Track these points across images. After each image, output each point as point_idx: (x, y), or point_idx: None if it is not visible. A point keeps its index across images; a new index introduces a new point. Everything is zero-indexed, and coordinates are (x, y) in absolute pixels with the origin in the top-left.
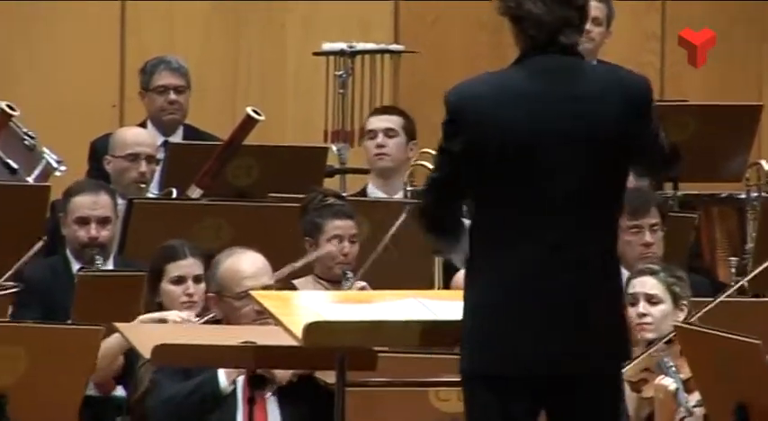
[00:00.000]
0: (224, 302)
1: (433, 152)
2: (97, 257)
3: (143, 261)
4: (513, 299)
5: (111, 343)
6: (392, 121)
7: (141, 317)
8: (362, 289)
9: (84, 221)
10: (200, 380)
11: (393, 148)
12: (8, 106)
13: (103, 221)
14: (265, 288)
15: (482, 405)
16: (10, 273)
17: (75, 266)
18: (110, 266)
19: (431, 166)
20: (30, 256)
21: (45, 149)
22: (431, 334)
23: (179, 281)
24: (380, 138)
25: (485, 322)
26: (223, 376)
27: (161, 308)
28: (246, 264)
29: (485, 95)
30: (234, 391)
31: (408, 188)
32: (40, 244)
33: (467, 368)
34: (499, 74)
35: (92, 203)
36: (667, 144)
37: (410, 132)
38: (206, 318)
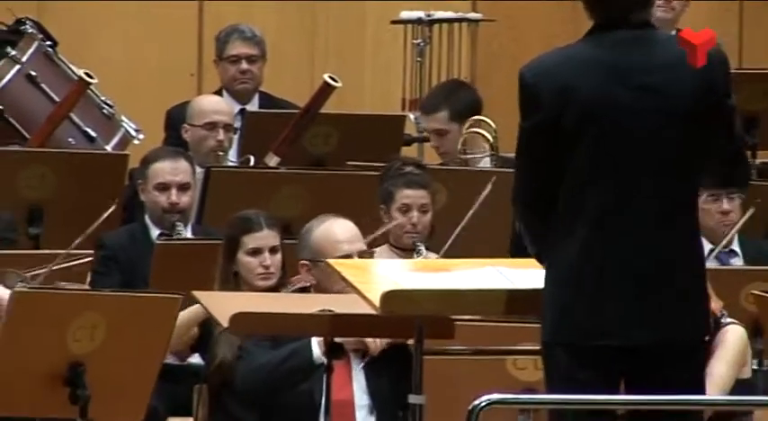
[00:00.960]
0: (317, 269)
1: (487, 120)
2: (178, 223)
3: (221, 229)
4: (596, 268)
5: (187, 313)
6: (438, 120)
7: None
8: None
9: (164, 187)
10: (293, 349)
11: (448, 145)
12: (86, 74)
13: (183, 187)
14: (360, 253)
15: (562, 373)
16: (82, 237)
17: (155, 233)
18: (188, 234)
19: (484, 133)
20: (102, 221)
21: (123, 118)
22: (508, 302)
23: (255, 252)
24: (435, 140)
25: (567, 291)
26: (316, 345)
27: (237, 278)
28: (341, 229)
29: (560, 69)
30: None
31: (462, 156)
32: (112, 208)
33: (549, 336)
34: (572, 47)
35: (172, 169)
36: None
37: (458, 115)
38: (295, 288)
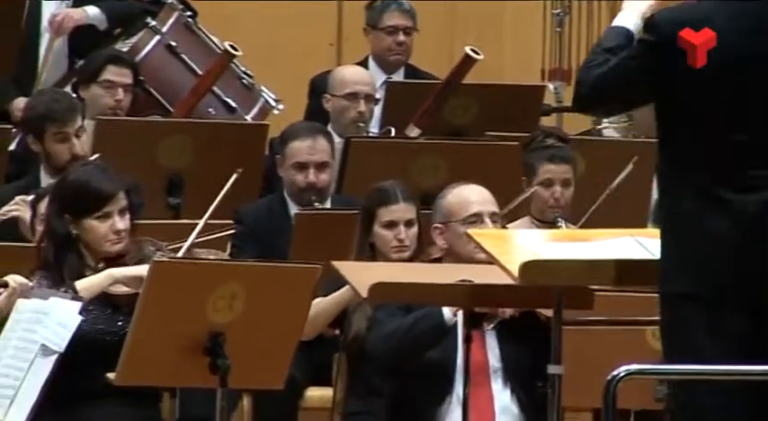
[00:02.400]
0: (450, 231)
1: None
2: (315, 201)
3: (361, 199)
4: (714, 219)
5: (332, 299)
6: None
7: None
8: None
9: (302, 166)
10: (423, 313)
11: None
12: (231, 46)
13: (321, 166)
14: (492, 214)
15: (681, 324)
16: (213, 206)
17: (293, 209)
18: (327, 206)
19: None
20: (228, 188)
21: (263, 88)
22: (647, 272)
23: (390, 225)
24: None
25: (685, 244)
26: (446, 308)
27: (373, 249)
28: (472, 190)
29: (691, 19)
30: (455, 324)
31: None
32: (234, 176)
33: (667, 287)
34: (703, 2)
35: (309, 149)
36: None
37: None
38: (431, 258)
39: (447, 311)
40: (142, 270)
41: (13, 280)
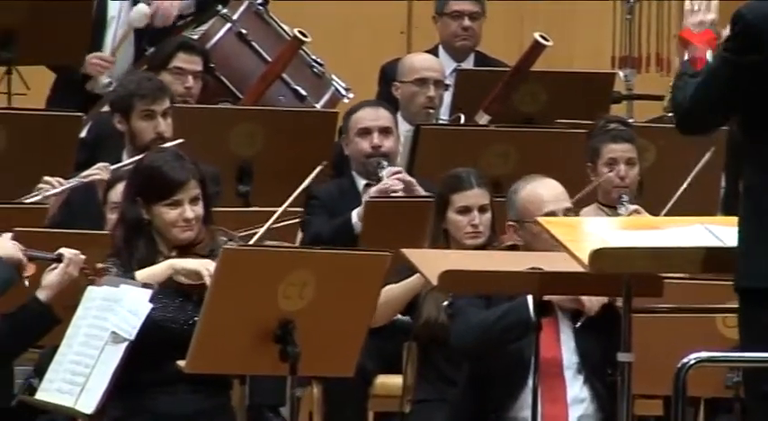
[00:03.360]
0: (524, 229)
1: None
2: (381, 163)
3: (430, 186)
4: None
5: (402, 286)
6: None
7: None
8: (635, 212)
9: (366, 132)
10: (509, 307)
11: None
12: (300, 33)
13: (385, 131)
14: (566, 211)
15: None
16: (293, 196)
17: (361, 183)
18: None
19: None
20: (311, 180)
21: (333, 77)
22: (717, 260)
23: (464, 211)
24: None
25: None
26: (532, 303)
27: (447, 235)
28: (546, 188)
29: None
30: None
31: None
32: (319, 167)
33: (747, 282)
34: None
35: (373, 115)
36: None
37: None
38: (503, 246)
39: (533, 306)
40: (201, 265)
41: (68, 251)
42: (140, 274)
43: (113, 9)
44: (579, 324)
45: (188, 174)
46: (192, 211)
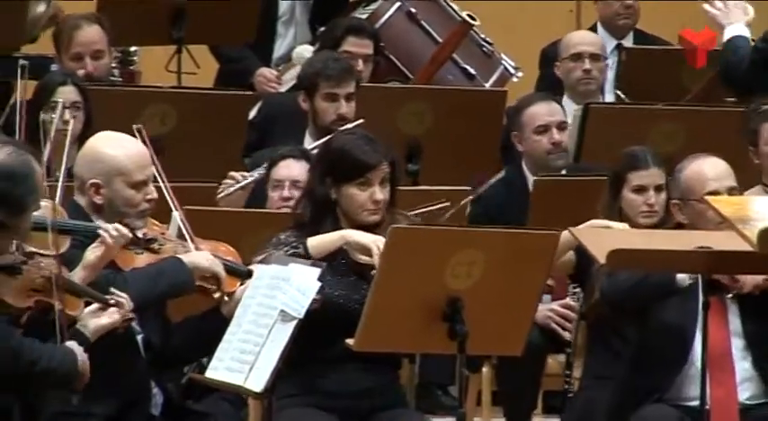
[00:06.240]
0: (688, 207)
1: None
2: (559, 158)
3: (598, 165)
4: None
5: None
6: None
7: (592, 222)
8: None
9: (544, 129)
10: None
11: None
12: (469, 16)
13: (561, 126)
14: (730, 190)
15: None
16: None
17: (531, 179)
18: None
19: None
20: (491, 184)
21: (502, 56)
22: None
23: (640, 190)
24: None
25: None
26: (701, 282)
27: (620, 214)
28: (709, 166)
29: None
30: (694, 291)
31: None
32: (501, 174)
33: None
34: None
35: (548, 110)
36: None
37: None
38: (668, 225)
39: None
40: (373, 242)
41: (108, 232)
42: (312, 241)
43: (283, 5)
44: (731, 296)
45: (379, 156)
46: (382, 193)
